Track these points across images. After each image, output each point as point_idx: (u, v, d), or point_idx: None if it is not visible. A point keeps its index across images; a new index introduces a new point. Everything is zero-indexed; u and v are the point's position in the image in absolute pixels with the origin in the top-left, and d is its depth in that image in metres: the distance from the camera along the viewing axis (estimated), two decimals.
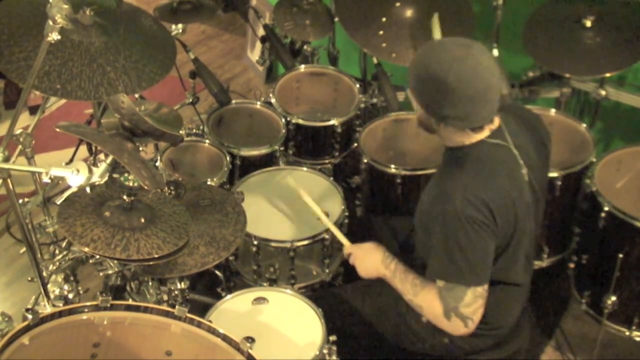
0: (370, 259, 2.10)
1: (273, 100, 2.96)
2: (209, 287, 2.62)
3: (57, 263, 2.35)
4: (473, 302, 1.86)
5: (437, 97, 1.80)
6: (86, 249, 1.71)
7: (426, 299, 1.94)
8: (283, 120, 2.89)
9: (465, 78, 1.76)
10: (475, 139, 1.88)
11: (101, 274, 2.33)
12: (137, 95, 2.75)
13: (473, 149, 1.89)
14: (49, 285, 2.25)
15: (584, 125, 2.76)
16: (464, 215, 1.79)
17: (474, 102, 1.79)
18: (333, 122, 2.87)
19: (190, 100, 2.97)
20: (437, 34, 2.70)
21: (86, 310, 1.70)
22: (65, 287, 2.33)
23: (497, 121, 1.91)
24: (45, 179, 1.78)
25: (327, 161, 3.00)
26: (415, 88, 1.87)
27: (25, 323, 1.60)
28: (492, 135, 1.89)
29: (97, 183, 1.81)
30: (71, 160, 3.11)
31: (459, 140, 1.90)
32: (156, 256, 1.75)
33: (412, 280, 1.98)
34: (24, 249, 2.07)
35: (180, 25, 2.74)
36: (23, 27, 2.00)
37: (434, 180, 2.01)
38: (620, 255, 2.35)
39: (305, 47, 3.44)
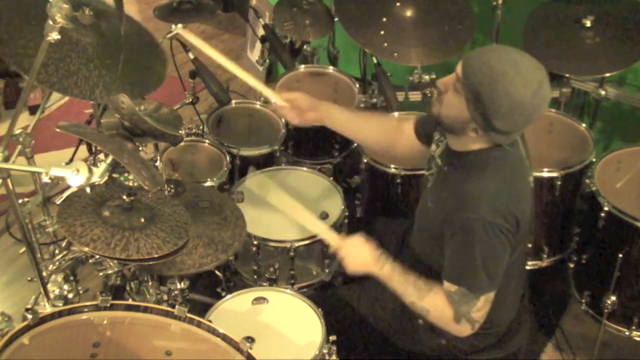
0: (361, 255, 2.02)
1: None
2: (209, 287, 2.62)
3: (57, 263, 2.35)
4: (484, 307, 1.87)
5: (501, 111, 1.74)
6: (86, 249, 1.70)
7: (434, 303, 1.91)
8: (283, 120, 2.89)
9: (541, 102, 1.77)
10: (493, 144, 1.87)
11: (101, 273, 2.33)
12: None
13: (489, 152, 1.86)
14: (48, 285, 2.25)
15: (584, 125, 2.75)
16: (492, 224, 1.77)
17: (528, 122, 1.79)
18: None
19: (190, 100, 2.98)
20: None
21: (86, 310, 1.70)
22: (65, 287, 2.33)
23: None
24: (45, 179, 1.77)
25: (327, 161, 3.00)
26: (475, 93, 1.76)
27: (25, 323, 1.60)
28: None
29: (97, 183, 1.80)
30: (71, 160, 3.09)
31: (476, 147, 1.87)
32: (156, 256, 1.75)
33: (414, 283, 1.94)
34: (23, 249, 2.07)
35: (180, 25, 2.74)
36: (20, 17, 1.97)
37: (440, 185, 1.99)
38: (620, 255, 2.35)
39: (305, 47, 3.44)
